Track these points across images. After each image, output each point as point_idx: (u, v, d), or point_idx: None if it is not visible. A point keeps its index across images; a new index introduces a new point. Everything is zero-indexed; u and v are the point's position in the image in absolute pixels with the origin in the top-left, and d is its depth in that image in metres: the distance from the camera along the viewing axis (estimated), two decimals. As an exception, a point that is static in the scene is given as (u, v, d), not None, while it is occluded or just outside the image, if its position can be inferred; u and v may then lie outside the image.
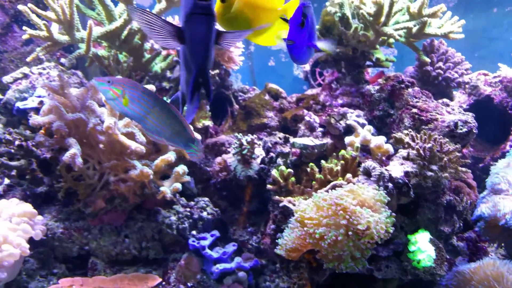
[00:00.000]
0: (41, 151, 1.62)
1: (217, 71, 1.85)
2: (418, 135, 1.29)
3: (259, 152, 1.66)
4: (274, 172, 1.48)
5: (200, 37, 0.89)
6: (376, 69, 1.97)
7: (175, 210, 1.67)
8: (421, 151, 1.23)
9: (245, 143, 1.58)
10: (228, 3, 1.14)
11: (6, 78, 1.74)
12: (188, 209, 1.68)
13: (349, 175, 1.32)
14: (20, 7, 1.48)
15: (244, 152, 1.59)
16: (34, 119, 1.49)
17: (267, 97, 1.85)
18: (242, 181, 1.65)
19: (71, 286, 1.52)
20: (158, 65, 1.86)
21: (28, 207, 1.50)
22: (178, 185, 1.55)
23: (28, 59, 1.47)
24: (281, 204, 1.45)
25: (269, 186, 1.51)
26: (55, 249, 1.61)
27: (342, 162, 1.37)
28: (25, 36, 1.42)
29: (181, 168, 1.57)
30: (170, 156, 1.56)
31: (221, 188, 1.74)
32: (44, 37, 1.42)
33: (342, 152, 1.38)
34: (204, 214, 1.67)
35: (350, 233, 1.14)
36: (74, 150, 1.42)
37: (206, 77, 0.93)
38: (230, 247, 1.60)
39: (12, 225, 1.43)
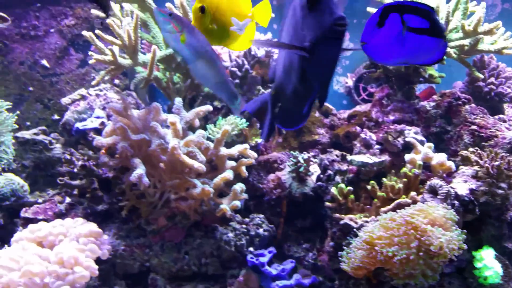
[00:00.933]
0: (103, 170, 1.68)
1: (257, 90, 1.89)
2: (484, 153, 1.30)
3: (313, 169, 1.68)
4: (333, 190, 1.50)
5: (331, 59, 0.93)
6: (423, 85, 1.98)
7: (232, 226, 1.70)
8: (490, 169, 1.24)
9: (301, 160, 1.60)
10: (208, 14, 1.18)
11: (65, 100, 1.82)
12: (244, 226, 1.71)
13: (413, 193, 1.33)
14: (85, 33, 1.55)
15: (301, 170, 1.61)
16: (98, 140, 1.56)
17: (317, 114, 1.88)
18: (297, 198, 1.68)
19: (134, 302, 1.57)
20: (209, 85, 1.91)
21: (93, 227, 1.56)
22: (238, 203, 1.58)
23: (93, 83, 1.54)
24: (341, 222, 1.46)
25: (327, 204, 1.53)
26: (116, 266, 1.65)
27: (405, 179, 1.38)
28: (91, 61, 1.49)
29: (239, 186, 1.61)
30: (229, 174, 1.59)
31: (275, 205, 1.76)
32: (109, 62, 1.49)
33: (404, 169, 1.40)
34: (261, 230, 1.69)
35: (421, 252, 1.15)
36: (140, 171, 1.47)
37: (326, 92, 0.99)
38: (288, 264, 1.62)
39: (80, 246, 1.48)
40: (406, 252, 1.13)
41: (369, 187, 1.46)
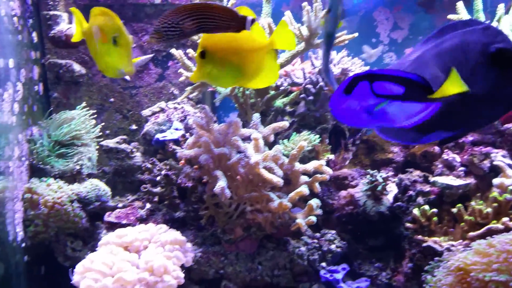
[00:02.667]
0: (182, 180, 1.75)
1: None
2: None
3: (389, 188, 1.67)
4: (415, 211, 1.49)
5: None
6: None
7: (304, 241, 1.72)
8: None
9: (380, 179, 1.60)
10: (209, 57, 1.13)
11: (145, 112, 1.91)
12: (315, 241, 1.72)
13: (505, 219, 1.30)
14: (174, 51, 1.63)
15: (379, 188, 1.61)
16: (182, 152, 1.63)
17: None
18: (372, 217, 1.67)
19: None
20: (280, 101, 1.95)
21: (178, 235, 1.62)
22: (314, 219, 1.59)
23: (179, 99, 1.61)
24: (424, 244, 1.45)
25: (408, 225, 1.52)
26: (191, 271, 1.71)
27: (495, 204, 1.35)
28: (182, 78, 1.56)
29: (315, 202, 1.62)
30: (305, 189, 1.61)
31: (346, 222, 1.76)
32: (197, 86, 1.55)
33: (495, 194, 1.36)
34: (333, 247, 1.70)
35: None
36: (223, 183, 1.52)
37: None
38: (363, 282, 1.62)
39: (167, 253, 1.55)
40: (507, 277, 1.11)
41: (454, 210, 1.44)
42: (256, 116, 1.68)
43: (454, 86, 0.85)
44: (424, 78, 0.86)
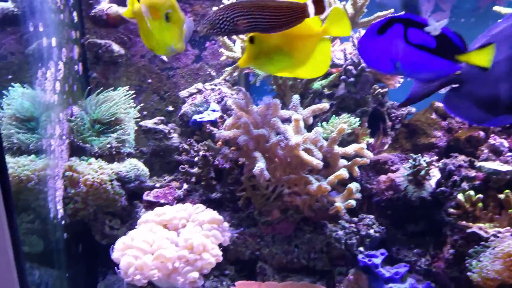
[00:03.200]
0: (219, 161, 1.75)
1: (379, 89, 1.85)
2: None
3: (431, 173, 1.63)
4: (460, 197, 1.44)
5: None
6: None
7: (341, 225, 1.70)
8: None
9: (424, 163, 1.55)
10: (258, 43, 1.09)
11: (183, 93, 1.91)
12: (353, 225, 1.70)
13: (559, 207, 1.24)
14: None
15: (422, 173, 1.56)
16: (221, 133, 1.62)
17: (433, 116, 1.81)
18: (413, 202, 1.63)
19: (247, 289, 1.62)
20: (318, 83, 1.91)
21: (215, 214, 1.63)
22: (353, 202, 1.57)
23: (221, 78, 1.60)
24: (468, 230, 1.41)
25: (451, 210, 1.48)
26: (228, 252, 1.72)
27: (548, 192, 1.29)
28: (223, 58, 1.55)
29: (354, 186, 1.59)
30: (345, 173, 1.58)
31: (385, 207, 1.73)
32: (238, 58, 1.53)
33: (547, 181, 1.31)
34: (371, 231, 1.67)
35: None
36: (262, 164, 1.51)
37: None
38: (402, 268, 1.59)
39: (205, 232, 1.56)
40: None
41: (501, 196, 1.39)
42: (296, 98, 1.65)
43: (480, 57, 0.84)
44: (460, 37, 0.84)
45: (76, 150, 1.87)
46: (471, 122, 1.23)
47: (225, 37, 1.55)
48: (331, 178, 1.60)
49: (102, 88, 1.89)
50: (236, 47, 1.54)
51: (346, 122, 1.69)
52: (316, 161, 1.52)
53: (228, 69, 1.58)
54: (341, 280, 1.64)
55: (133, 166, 1.79)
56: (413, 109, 2.12)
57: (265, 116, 1.63)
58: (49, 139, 1.70)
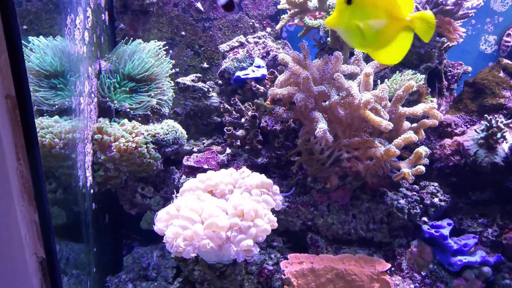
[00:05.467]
0: (268, 122, 1.58)
1: (447, 42, 1.66)
2: None
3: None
4: (546, 162, 1.30)
5: None
6: None
7: (402, 193, 1.56)
8: None
9: (501, 126, 1.40)
10: (356, 5, 0.95)
11: (223, 47, 1.71)
12: (415, 193, 1.56)
13: None
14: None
15: (498, 136, 1.41)
16: (274, 90, 1.45)
17: (501, 74, 1.64)
18: (483, 168, 1.49)
19: (301, 262, 1.50)
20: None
21: (264, 178, 1.47)
22: (423, 168, 1.42)
23: (277, 27, 1.40)
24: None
25: (533, 177, 1.34)
26: (277, 222, 1.58)
27: None
28: (282, 2, 1.35)
29: (423, 150, 1.44)
30: (413, 135, 1.43)
31: (449, 173, 1.59)
32: (299, 3, 1.34)
33: None
34: (436, 200, 1.54)
35: None
36: (324, 125, 1.34)
37: None
38: (471, 239, 1.47)
39: (255, 197, 1.41)
40: None
41: None
42: (358, 51, 1.47)
43: None
44: None
45: (105, 110, 1.68)
46: None
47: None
48: (398, 141, 1.44)
49: (132, 40, 1.68)
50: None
51: (412, 78, 1.52)
52: (386, 122, 1.36)
53: (285, 16, 1.39)
54: (401, 253, 1.52)
55: (171, 128, 1.61)
56: (469, 68, 1.95)
57: (323, 71, 1.45)
58: (77, 97, 1.51)
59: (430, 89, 1.68)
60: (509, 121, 1.44)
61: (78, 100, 1.55)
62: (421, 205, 1.53)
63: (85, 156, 1.61)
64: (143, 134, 1.59)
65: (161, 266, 1.62)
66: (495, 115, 1.56)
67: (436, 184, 1.57)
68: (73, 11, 1.42)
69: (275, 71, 1.61)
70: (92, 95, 1.64)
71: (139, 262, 1.65)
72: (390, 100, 1.46)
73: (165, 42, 1.70)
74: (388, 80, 1.56)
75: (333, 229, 1.53)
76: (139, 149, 1.58)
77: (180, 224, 1.36)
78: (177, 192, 1.48)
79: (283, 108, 1.54)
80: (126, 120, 1.64)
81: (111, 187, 1.67)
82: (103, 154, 1.62)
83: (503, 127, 1.41)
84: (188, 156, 1.65)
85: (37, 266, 0.90)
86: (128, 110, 1.66)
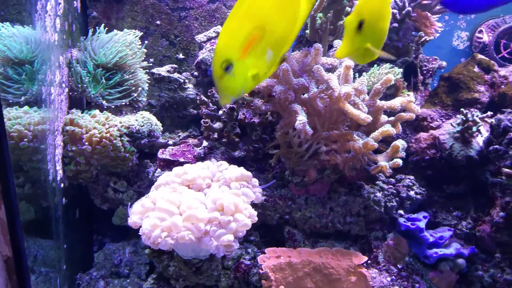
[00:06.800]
0: (245, 115, 1.56)
1: (425, 36, 1.67)
2: None
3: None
4: (518, 155, 1.32)
5: None
6: None
7: (379, 186, 1.57)
8: None
9: (477, 119, 1.42)
10: (368, 30, 0.90)
11: (200, 37, 1.67)
12: (391, 186, 1.57)
13: None
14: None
15: (473, 129, 1.43)
16: (252, 81, 1.42)
17: (476, 69, 1.67)
18: (459, 162, 1.51)
19: (279, 256, 1.48)
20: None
21: (243, 170, 1.45)
22: (400, 161, 1.42)
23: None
24: (528, 191, 1.30)
25: (506, 170, 1.36)
26: (258, 216, 1.56)
27: None
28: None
29: (400, 143, 1.44)
30: (391, 128, 1.43)
31: (425, 167, 1.61)
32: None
33: None
34: (412, 193, 1.55)
35: None
36: (303, 118, 1.32)
37: None
38: (446, 232, 1.49)
39: (234, 191, 1.38)
40: None
41: None
42: (338, 43, 1.46)
43: None
44: None
45: (77, 101, 1.62)
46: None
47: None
48: (376, 134, 1.44)
49: (106, 28, 1.61)
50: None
51: (389, 72, 1.52)
52: (364, 115, 1.35)
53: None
54: (378, 245, 1.53)
55: (146, 120, 1.57)
56: (444, 63, 1.98)
57: (303, 63, 1.44)
58: (48, 86, 1.44)
59: (406, 83, 1.69)
60: (484, 115, 1.46)
61: (49, 90, 1.48)
62: (397, 198, 1.54)
63: (55, 148, 1.54)
64: (116, 126, 1.54)
65: (133, 263, 1.58)
66: (471, 109, 1.58)
67: (412, 177, 1.58)
68: (41, -4, 1.35)
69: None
70: (63, 85, 1.57)
71: (111, 258, 1.60)
72: (368, 94, 1.45)
73: (139, 32, 1.64)
74: (366, 74, 1.56)
75: (310, 222, 1.52)
76: (113, 141, 1.53)
77: (158, 216, 1.32)
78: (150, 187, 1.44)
79: (262, 100, 1.52)
80: (97, 111, 1.58)
81: (82, 181, 1.61)
82: (74, 146, 1.55)
83: (478, 120, 1.43)
84: (163, 149, 1.61)
85: (1, 265, 0.86)
86: (102, 101, 1.60)
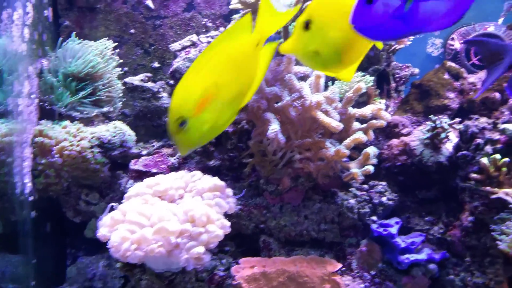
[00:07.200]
0: (220, 124, 1.55)
1: (395, 45, 1.71)
2: None
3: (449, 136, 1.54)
4: (484, 160, 1.36)
5: None
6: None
7: (352, 193, 1.58)
8: None
9: (446, 126, 1.45)
10: (315, 31, 0.85)
11: (174, 46, 1.66)
12: (365, 193, 1.59)
13: None
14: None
15: (442, 136, 1.46)
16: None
17: (446, 76, 1.71)
18: (429, 167, 1.54)
19: (253, 266, 1.48)
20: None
21: (216, 180, 1.44)
22: (371, 168, 1.45)
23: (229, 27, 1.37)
24: (493, 196, 1.33)
25: (474, 175, 1.39)
26: (233, 226, 1.56)
27: None
28: (234, 2, 1.32)
29: (372, 150, 1.47)
30: (362, 136, 1.45)
31: (397, 173, 1.63)
32: (250, 4, 1.32)
33: None
34: (384, 199, 1.57)
35: None
36: (276, 126, 1.33)
37: None
38: (418, 237, 1.51)
39: (207, 201, 1.37)
40: None
41: (529, 160, 1.31)
42: (309, 52, 1.47)
43: None
44: None
45: (47, 112, 1.59)
46: None
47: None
48: (347, 141, 1.45)
49: (77, 38, 1.59)
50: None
51: (361, 80, 1.55)
52: (335, 123, 1.37)
53: (237, 16, 1.37)
54: (352, 252, 1.54)
55: (118, 130, 1.55)
56: (416, 70, 2.02)
57: (276, 72, 1.45)
58: (16, 98, 1.42)
59: (379, 91, 1.72)
60: (453, 121, 1.50)
61: (16, 101, 1.45)
62: (370, 204, 1.56)
63: (23, 161, 1.51)
64: (87, 137, 1.52)
65: (107, 277, 1.55)
66: (440, 116, 1.61)
67: (384, 183, 1.60)
68: (10, 5, 1.33)
69: (226, 71, 1.58)
70: (33, 95, 1.54)
71: (84, 272, 1.58)
72: (341, 101, 1.47)
73: (112, 41, 1.63)
74: (338, 82, 1.58)
75: (285, 231, 1.52)
76: (84, 153, 1.51)
77: (128, 228, 1.31)
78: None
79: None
80: (68, 122, 1.56)
81: (53, 194, 1.58)
82: (44, 158, 1.53)
83: (447, 127, 1.46)
84: (136, 160, 1.59)
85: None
86: (73, 111, 1.58)
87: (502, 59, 0.90)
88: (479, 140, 1.43)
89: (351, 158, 1.51)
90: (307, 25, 0.83)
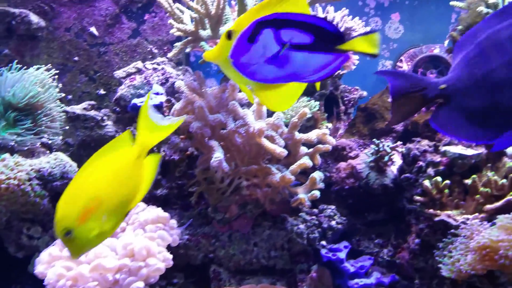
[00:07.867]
0: (165, 152, 1.53)
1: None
2: None
3: (393, 159, 1.56)
4: (426, 183, 1.38)
5: None
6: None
7: (302, 218, 1.58)
8: None
9: (388, 149, 1.48)
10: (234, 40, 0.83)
11: (119, 73, 1.63)
12: (314, 217, 1.59)
13: (528, 191, 1.23)
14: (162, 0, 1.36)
15: (386, 159, 1.49)
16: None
17: (390, 99, 1.75)
18: (375, 190, 1.56)
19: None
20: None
21: (160, 212, 1.41)
22: (317, 193, 1.45)
23: (170, 54, 1.36)
24: (437, 219, 1.35)
25: (417, 198, 1.41)
26: (177, 257, 1.51)
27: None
28: (173, 31, 1.31)
29: (318, 175, 1.47)
30: (308, 161, 1.46)
31: (346, 196, 1.64)
32: (190, 32, 1.31)
33: (511, 164, 1.29)
34: (333, 223, 1.57)
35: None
36: (220, 154, 1.32)
37: None
38: (367, 261, 1.51)
39: (149, 234, 1.33)
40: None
41: (468, 181, 1.35)
42: (253, 79, 1.47)
43: (367, 44, 0.75)
44: (336, 27, 0.76)
45: (-17, 143, 1.51)
46: (468, 141, 1.14)
47: (173, 5, 1.32)
48: (293, 167, 1.45)
49: (17, 65, 1.54)
50: (185, 17, 1.32)
51: (306, 106, 1.56)
52: (280, 149, 1.37)
53: (178, 44, 1.36)
54: (303, 278, 1.52)
55: (59, 161, 1.49)
56: (365, 93, 2.07)
57: (220, 99, 1.44)
58: None
59: (327, 114, 1.74)
60: (395, 144, 1.53)
61: None
62: (319, 229, 1.55)
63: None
64: (26, 170, 1.45)
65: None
66: (383, 139, 1.65)
67: (333, 207, 1.61)
68: None
69: (172, 98, 1.56)
70: (-34, 126, 1.47)
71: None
72: (287, 127, 1.48)
73: (54, 69, 1.58)
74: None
75: (234, 260, 1.49)
76: (22, 187, 1.44)
77: (64, 265, 1.25)
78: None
79: (181, 137, 1.50)
80: (7, 155, 1.48)
81: (-11, 228, 1.49)
82: (-21, 192, 1.44)
83: (389, 150, 1.49)
84: (79, 191, 1.52)
85: None
86: (12, 143, 1.51)
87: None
88: (421, 163, 1.47)
89: (300, 182, 1.51)
90: (229, 35, 0.84)
